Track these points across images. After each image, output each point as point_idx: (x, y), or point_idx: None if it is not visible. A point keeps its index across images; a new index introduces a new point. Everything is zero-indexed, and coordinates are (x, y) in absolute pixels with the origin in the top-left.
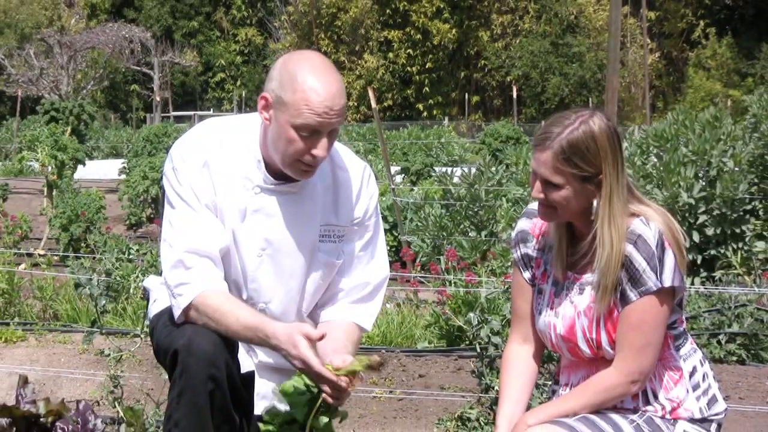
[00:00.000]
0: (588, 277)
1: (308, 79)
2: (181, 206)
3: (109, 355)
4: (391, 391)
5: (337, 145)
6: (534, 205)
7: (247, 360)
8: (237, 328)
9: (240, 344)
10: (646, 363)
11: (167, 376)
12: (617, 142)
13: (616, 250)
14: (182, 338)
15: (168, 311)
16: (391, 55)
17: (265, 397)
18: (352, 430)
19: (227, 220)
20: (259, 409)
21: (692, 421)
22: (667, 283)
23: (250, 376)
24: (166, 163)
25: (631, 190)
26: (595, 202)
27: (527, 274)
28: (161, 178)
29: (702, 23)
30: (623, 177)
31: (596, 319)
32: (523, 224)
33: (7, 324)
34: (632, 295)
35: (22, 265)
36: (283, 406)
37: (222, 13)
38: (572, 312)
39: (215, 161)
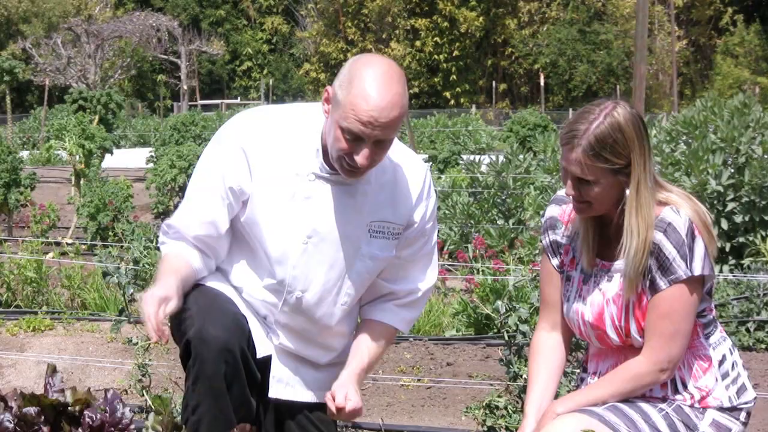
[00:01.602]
0: (617, 264)
1: (364, 85)
2: (201, 183)
3: (137, 343)
4: (419, 380)
5: (398, 143)
6: (562, 192)
7: (264, 344)
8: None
9: (258, 328)
10: (675, 351)
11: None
12: (643, 129)
13: (643, 238)
14: (193, 327)
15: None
16: (417, 43)
17: (281, 381)
18: (380, 419)
19: (272, 205)
20: (273, 392)
21: (721, 409)
22: (697, 272)
23: (267, 360)
24: (217, 133)
25: (656, 178)
26: (627, 192)
27: (556, 261)
28: (189, 165)
29: (730, 10)
30: (650, 164)
31: (625, 306)
32: (552, 211)
33: (35, 313)
34: (662, 283)
35: (50, 254)
36: None
37: (249, 2)
38: (601, 299)
39: (257, 147)
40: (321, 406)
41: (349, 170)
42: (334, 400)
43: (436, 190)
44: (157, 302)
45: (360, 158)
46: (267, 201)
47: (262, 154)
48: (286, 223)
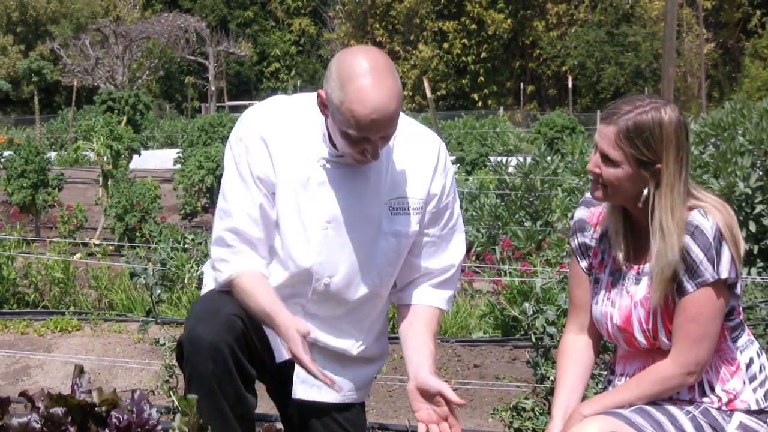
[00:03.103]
0: (645, 267)
1: (357, 88)
2: (236, 179)
3: (164, 344)
4: (446, 381)
5: (411, 120)
6: (589, 194)
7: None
8: (255, 311)
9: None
10: (703, 354)
11: None
12: (685, 136)
13: (674, 242)
14: (186, 328)
15: (199, 299)
16: (445, 45)
17: (306, 381)
18: (407, 420)
19: (289, 193)
20: (298, 393)
21: (749, 412)
22: (724, 275)
23: (289, 363)
24: (233, 132)
25: (690, 190)
26: (645, 191)
27: (584, 264)
28: (217, 166)
29: (758, 12)
30: (686, 171)
31: (653, 309)
32: (581, 213)
33: (63, 313)
34: (689, 286)
35: (78, 255)
36: None
37: (277, 3)
38: (629, 302)
39: (275, 135)
40: (348, 407)
41: (361, 161)
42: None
43: (461, 178)
44: (299, 339)
45: (371, 155)
46: (285, 191)
47: (279, 144)
48: (304, 211)
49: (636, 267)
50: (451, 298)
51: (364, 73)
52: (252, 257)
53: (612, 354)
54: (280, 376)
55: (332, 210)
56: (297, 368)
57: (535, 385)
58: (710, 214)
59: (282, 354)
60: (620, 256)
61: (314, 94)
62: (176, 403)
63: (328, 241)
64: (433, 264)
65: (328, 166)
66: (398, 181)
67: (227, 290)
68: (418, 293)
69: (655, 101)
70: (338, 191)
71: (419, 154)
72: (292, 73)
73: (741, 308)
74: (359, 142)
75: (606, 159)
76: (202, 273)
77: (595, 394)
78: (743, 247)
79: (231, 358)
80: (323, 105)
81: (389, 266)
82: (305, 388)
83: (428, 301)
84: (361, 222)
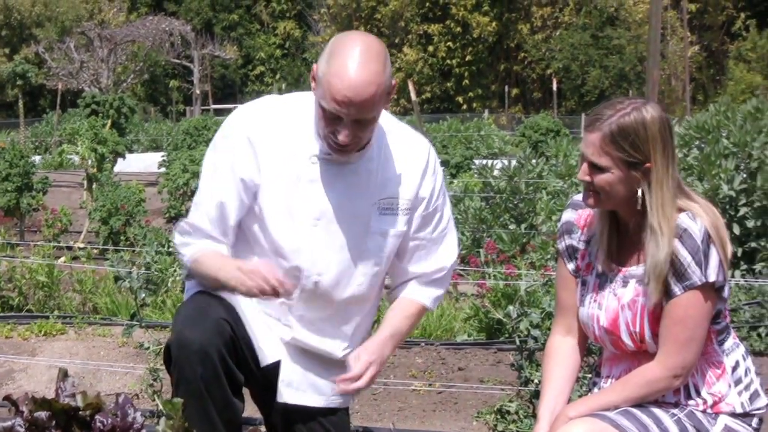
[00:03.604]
0: (632, 269)
1: (340, 63)
2: (211, 176)
3: (148, 348)
4: (430, 384)
5: (402, 124)
6: (579, 197)
7: (272, 349)
8: (210, 281)
9: (265, 333)
10: (689, 357)
11: None
12: (669, 133)
13: (666, 241)
14: (174, 332)
15: (185, 302)
16: (430, 48)
17: (290, 384)
18: (391, 423)
19: (279, 191)
20: (283, 397)
21: (734, 415)
22: (712, 278)
23: (274, 366)
24: (220, 130)
25: (680, 186)
26: (639, 192)
27: (571, 266)
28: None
29: (742, 15)
30: (674, 169)
31: (640, 312)
32: (568, 215)
33: (47, 317)
34: (677, 289)
35: (62, 258)
36: None
37: (262, 6)
38: (616, 305)
39: (262, 135)
40: (332, 411)
41: (337, 149)
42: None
43: (446, 181)
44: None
45: (341, 137)
46: (274, 189)
47: (267, 144)
48: (294, 208)
49: (623, 270)
50: (439, 297)
51: (352, 52)
52: (210, 243)
53: (597, 356)
54: (264, 381)
55: (322, 206)
56: (282, 372)
57: (520, 388)
58: (699, 217)
59: (266, 357)
60: (608, 258)
61: (307, 93)
62: (161, 406)
63: (318, 238)
64: (424, 267)
65: (318, 163)
66: (388, 181)
67: (214, 294)
68: (407, 290)
69: (635, 101)
70: (328, 188)
71: (409, 156)
72: (277, 76)
73: (727, 311)
74: (332, 121)
75: (595, 166)
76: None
77: (581, 396)
78: (730, 249)
79: (220, 362)
80: (313, 78)
81: (376, 266)
82: (290, 392)
83: (414, 296)
84: (350, 220)
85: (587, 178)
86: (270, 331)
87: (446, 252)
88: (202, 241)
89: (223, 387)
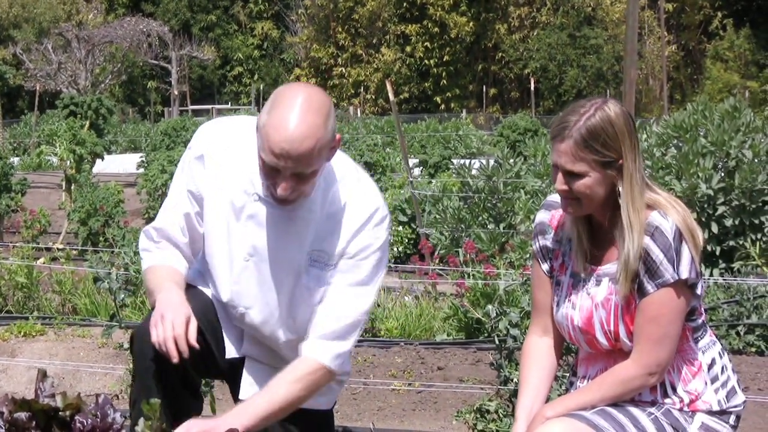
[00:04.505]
0: (605, 268)
1: (280, 115)
2: (175, 185)
3: (128, 348)
4: (410, 384)
5: (363, 178)
6: (553, 197)
7: (237, 345)
8: (149, 286)
9: (231, 328)
10: (664, 355)
11: None
12: (633, 126)
13: (638, 235)
14: (139, 326)
15: None
16: (408, 48)
17: (253, 383)
18: (371, 423)
19: (222, 219)
20: (243, 394)
21: (711, 413)
22: (684, 275)
23: (238, 362)
24: (192, 139)
25: (644, 178)
26: (619, 187)
27: (546, 266)
28: None
29: (719, 15)
30: (640, 162)
31: (614, 310)
32: (541, 216)
33: (27, 318)
34: (649, 287)
35: (41, 260)
36: None
37: (239, 7)
38: (590, 304)
39: (215, 157)
40: (307, 414)
41: (276, 199)
42: None
43: (391, 232)
44: (185, 321)
45: (280, 190)
46: (216, 214)
47: (220, 167)
48: (231, 240)
49: (596, 268)
50: (341, 355)
51: (292, 103)
52: (172, 253)
53: (574, 356)
54: (231, 374)
55: (255, 244)
56: (245, 368)
57: (499, 387)
58: (669, 215)
59: (231, 350)
60: (583, 256)
61: None
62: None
63: (248, 274)
64: (330, 311)
65: (259, 202)
66: (324, 235)
67: (191, 285)
68: (307, 345)
69: (595, 101)
70: (264, 228)
71: (352, 213)
72: (255, 77)
73: (703, 309)
74: (271, 173)
75: (571, 174)
76: None
77: (559, 395)
78: (701, 245)
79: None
80: (257, 128)
81: (305, 314)
82: (251, 391)
83: (312, 352)
84: (281, 263)
85: (565, 187)
86: (234, 329)
87: (355, 304)
88: (162, 252)
89: (178, 383)
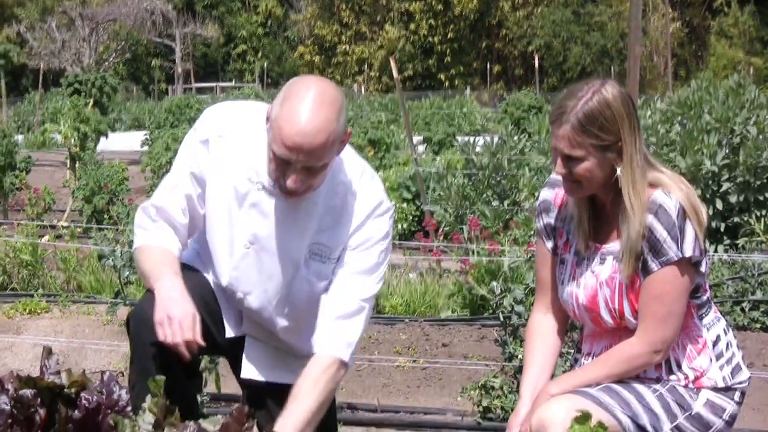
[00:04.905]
0: (609, 246)
1: (293, 108)
2: (178, 167)
3: None
4: (414, 361)
5: (366, 171)
6: (556, 175)
7: (237, 324)
8: (143, 268)
9: (227, 311)
10: (669, 333)
11: None
12: (632, 107)
13: (640, 216)
14: (135, 307)
15: None
16: (412, 25)
17: (253, 361)
18: (376, 399)
19: (220, 204)
20: (245, 373)
21: (715, 389)
22: (688, 253)
23: (238, 340)
24: (196, 122)
25: (647, 158)
26: (618, 170)
27: (550, 244)
28: None
29: None
30: (641, 142)
31: (619, 289)
32: (545, 194)
33: (31, 296)
34: (653, 265)
35: (46, 237)
36: None
37: None
38: (594, 282)
39: (221, 142)
40: None
41: (284, 192)
42: None
43: (401, 237)
44: (193, 323)
45: (290, 182)
46: (218, 199)
47: (225, 153)
48: (232, 226)
49: (601, 247)
50: (352, 345)
51: (305, 96)
52: (168, 234)
53: (579, 332)
54: (232, 353)
55: (256, 233)
56: (246, 347)
57: (504, 363)
58: (673, 193)
59: (231, 329)
60: (585, 236)
61: None
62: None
63: (247, 261)
64: (339, 295)
65: (263, 191)
66: (325, 228)
67: (189, 266)
68: (317, 339)
69: (592, 84)
70: (266, 217)
71: (356, 207)
72: (259, 54)
73: (707, 286)
74: (282, 166)
75: (570, 158)
76: None
77: (563, 372)
78: (705, 222)
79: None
80: (267, 119)
81: (304, 304)
82: (252, 369)
83: (323, 348)
84: (281, 253)
85: (565, 170)
86: (233, 309)
87: (361, 294)
88: (158, 231)
89: (175, 366)
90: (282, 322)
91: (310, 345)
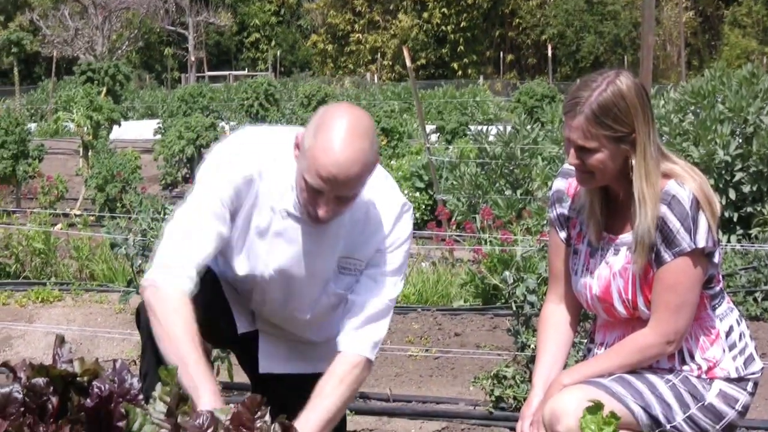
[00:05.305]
0: (623, 237)
1: (328, 138)
2: (203, 203)
3: None
4: (427, 350)
5: (380, 174)
6: (569, 165)
7: (249, 320)
8: (167, 349)
9: (241, 305)
10: (682, 323)
11: None
12: (646, 98)
13: (652, 207)
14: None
15: None
16: (425, 14)
17: (270, 355)
18: (388, 389)
19: (244, 234)
20: (264, 368)
21: (728, 380)
22: (701, 244)
23: (252, 336)
24: (216, 153)
25: (661, 149)
26: (632, 161)
27: (563, 234)
28: (197, 137)
29: None
30: (654, 134)
31: (632, 279)
32: (558, 184)
33: (44, 284)
34: (666, 256)
35: (58, 226)
36: None
37: None
38: (608, 273)
39: (261, 182)
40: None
41: (313, 219)
42: None
43: (414, 226)
44: None
45: (321, 212)
46: (242, 229)
47: (265, 185)
48: (256, 256)
49: (615, 238)
50: (377, 344)
51: (341, 127)
52: (185, 275)
53: (592, 322)
54: (244, 349)
55: (282, 262)
56: (260, 343)
57: (516, 353)
58: (686, 184)
59: (244, 325)
60: (597, 227)
61: (295, 129)
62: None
63: (273, 286)
64: (363, 302)
65: (288, 219)
66: (352, 242)
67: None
68: (343, 339)
69: (607, 75)
70: (292, 245)
71: (379, 216)
72: (272, 43)
73: (720, 276)
74: (313, 194)
75: (583, 149)
76: None
77: (576, 362)
78: (718, 213)
79: None
80: (297, 146)
81: (328, 309)
82: (271, 363)
83: (350, 347)
84: (309, 277)
85: (577, 161)
86: (244, 305)
87: (387, 293)
88: (175, 285)
89: None
90: (300, 324)
91: (326, 334)
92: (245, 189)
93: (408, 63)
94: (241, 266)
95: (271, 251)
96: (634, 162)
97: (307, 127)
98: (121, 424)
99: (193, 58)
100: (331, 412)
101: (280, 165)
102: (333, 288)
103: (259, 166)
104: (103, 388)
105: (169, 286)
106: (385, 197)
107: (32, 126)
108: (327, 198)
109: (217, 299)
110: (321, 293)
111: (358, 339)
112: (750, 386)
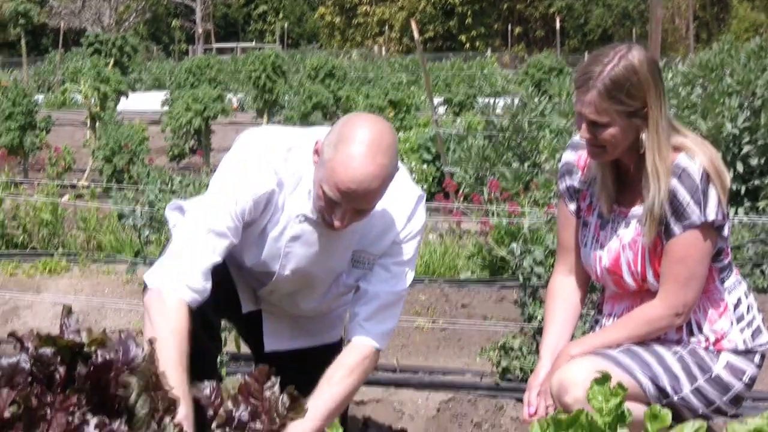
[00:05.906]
0: (634, 210)
1: (348, 152)
2: (220, 212)
3: None
4: (433, 321)
5: (396, 177)
6: (579, 137)
7: (252, 299)
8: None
9: (246, 285)
10: (690, 296)
11: None
12: (658, 72)
13: (664, 181)
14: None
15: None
16: None
17: (274, 332)
18: (395, 360)
19: (260, 236)
20: (269, 346)
21: (736, 352)
22: (711, 217)
23: (256, 315)
24: (236, 158)
25: (672, 123)
26: (643, 136)
27: (573, 206)
28: (204, 108)
29: None
30: (666, 107)
31: (641, 252)
32: (568, 156)
33: (52, 255)
34: (676, 228)
35: (66, 197)
36: None
37: None
38: (617, 245)
39: (282, 188)
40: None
41: (328, 225)
42: None
43: (426, 214)
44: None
45: (336, 221)
46: (259, 235)
47: (272, 198)
48: (272, 258)
49: (625, 210)
50: (389, 332)
51: (362, 141)
52: (194, 281)
53: (600, 294)
54: (249, 327)
55: (299, 264)
56: (264, 322)
57: (523, 324)
58: (697, 157)
59: (248, 306)
60: (608, 199)
61: (315, 131)
62: None
63: (285, 284)
64: (375, 292)
65: (305, 223)
66: (368, 237)
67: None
68: (354, 329)
69: (619, 49)
70: (309, 249)
71: (392, 212)
72: (280, 15)
73: (729, 249)
74: (330, 204)
75: (595, 124)
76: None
77: (583, 333)
78: (728, 186)
79: (193, 323)
80: (317, 152)
81: (333, 302)
82: (275, 342)
83: (361, 338)
84: (323, 274)
85: (589, 135)
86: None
87: (400, 283)
88: (182, 281)
89: (199, 335)
90: (307, 307)
91: (329, 309)
92: (263, 200)
93: (416, 35)
94: (255, 265)
95: (288, 254)
96: (645, 136)
97: (328, 135)
98: (121, 392)
99: (200, 30)
100: (338, 401)
101: (298, 172)
102: (344, 280)
103: (278, 176)
104: (107, 357)
105: (173, 300)
106: (400, 190)
107: (40, 98)
108: (344, 210)
109: (223, 281)
110: (333, 285)
111: (370, 329)
112: (757, 358)
